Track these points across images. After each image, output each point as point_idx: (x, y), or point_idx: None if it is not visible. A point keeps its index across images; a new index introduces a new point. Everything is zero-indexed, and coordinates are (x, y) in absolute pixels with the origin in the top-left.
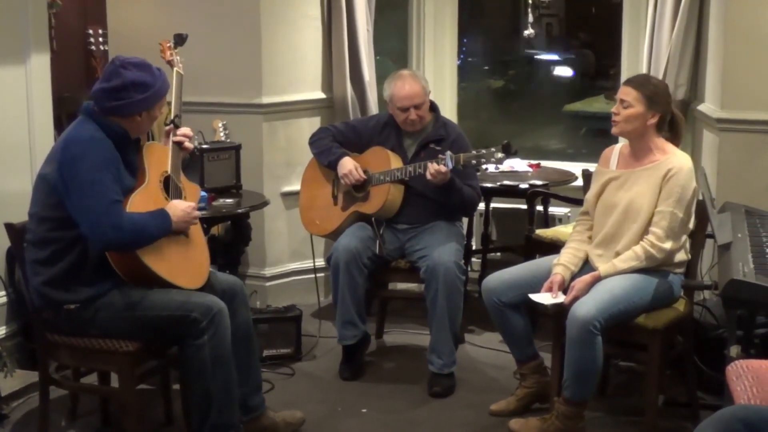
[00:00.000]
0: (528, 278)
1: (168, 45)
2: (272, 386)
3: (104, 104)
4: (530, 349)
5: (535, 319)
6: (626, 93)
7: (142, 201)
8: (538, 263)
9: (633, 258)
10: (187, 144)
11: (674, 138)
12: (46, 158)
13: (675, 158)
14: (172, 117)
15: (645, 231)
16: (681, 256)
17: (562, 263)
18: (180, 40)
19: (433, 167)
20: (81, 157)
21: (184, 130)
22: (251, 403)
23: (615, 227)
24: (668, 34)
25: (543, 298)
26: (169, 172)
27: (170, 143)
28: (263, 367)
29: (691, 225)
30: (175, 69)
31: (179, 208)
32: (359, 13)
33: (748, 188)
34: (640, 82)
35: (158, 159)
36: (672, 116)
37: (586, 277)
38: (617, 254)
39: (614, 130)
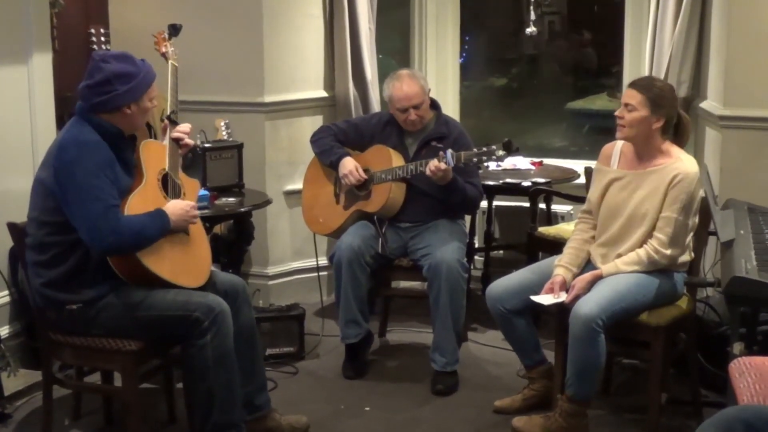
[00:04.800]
0: (531, 282)
1: (162, 36)
2: (275, 385)
3: (91, 101)
4: (538, 354)
5: (537, 317)
6: (631, 96)
7: (140, 202)
8: (541, 266)
9: (636, 262)
10: (187, 140)
11: (678, 140)
12: (42, 161)
13: (682, 164)
14: (168, 113)
15: (649, 235)
16: (684, 257)
17: (563, 264)
18: (174, 30)
19: (433, 164)
20: (76, 161)
21: (182, 127)
22: (256, 402)
23: (620, 231)
24: (670, 32)
25: (544, 299)
26: (167, 169)
27: (167, 140)
28: (266, 366)
29: (695, 221)
30: (170, 61)
31: (178, 207)
32: (361, 11)
33: (750, 185)
34: (644, 85)
35: (156, 157)
36: (678, 117)
37: (587, 276)
38: (619, 256)
39: (619, 135)
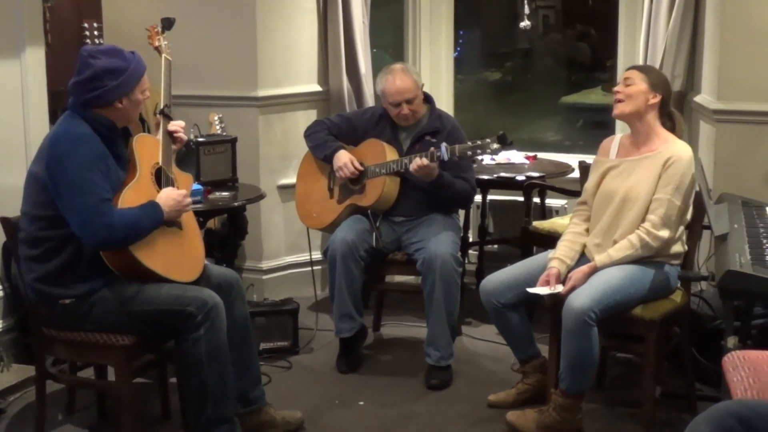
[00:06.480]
0: (525, 277)
1: (156, 30)
2: (269, 379)
3: (81, 97)
4: (532, 348)
5: (532, 311)
6: (630, 74)
7: (134, 196)
8: (535, 260)
9: (628, 247)
10: (182, 135)
11: (673, 131)
12: (35, 155)
13: (675, 146)
14: (161, 107)
15: (642, 219)
16: (677, 247)
17: (557, 257)
18: (168, 24)
19: (416, 162)
20: (69, 155)
21: (175, 126)
22: (250, 396)
23: (613, 216)
24: (665, 26)
25: (540, 290)
26: (160, 163)
27: (160, 134)
28: (260, 361)
29: (688, 215)
30: (163, 55)
31: (170, 196)
32: (355, 5)
33: (744, 179)
34: (642, 67)
35: (149, 151)
36: (670, 113)
37: (584, 268)
38: (615, 243)
39: (615, 112)
